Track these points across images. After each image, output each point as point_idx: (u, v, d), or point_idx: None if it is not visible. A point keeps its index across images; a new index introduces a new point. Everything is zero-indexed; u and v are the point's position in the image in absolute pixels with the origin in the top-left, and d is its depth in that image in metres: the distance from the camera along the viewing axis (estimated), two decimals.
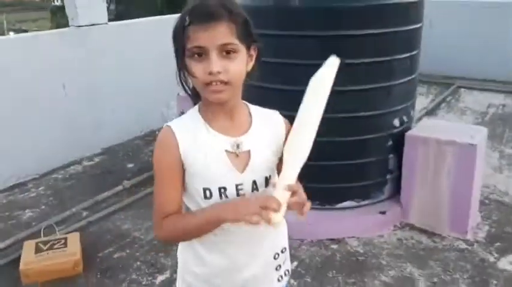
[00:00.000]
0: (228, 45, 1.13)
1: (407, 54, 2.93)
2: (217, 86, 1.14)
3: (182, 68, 1.18)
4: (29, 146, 3.97)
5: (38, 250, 2.79)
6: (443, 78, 6.52)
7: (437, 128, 3.07)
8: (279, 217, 1.12)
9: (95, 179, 4.02)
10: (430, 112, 5.49)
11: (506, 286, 2.60)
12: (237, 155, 1.23)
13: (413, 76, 3.07)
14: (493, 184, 3.74)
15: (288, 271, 1.41)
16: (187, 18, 1.14)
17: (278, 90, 2.81)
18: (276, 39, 2.77)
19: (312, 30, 2.75)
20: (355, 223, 3.05)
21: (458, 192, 2.91)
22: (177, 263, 1.40)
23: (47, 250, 2.78)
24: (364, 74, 2.82)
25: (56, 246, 2.82)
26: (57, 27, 9.60)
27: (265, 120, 1.30)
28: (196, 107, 1.27)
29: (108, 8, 4.61)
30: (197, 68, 1.14)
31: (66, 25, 4.42)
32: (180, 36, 1.15)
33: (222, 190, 1.22)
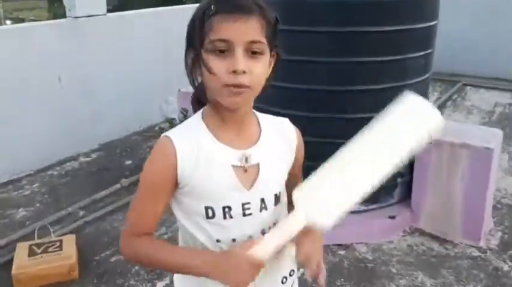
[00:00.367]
0: (257, 44, 0.99)
1: (422, 53, 2.80)
2: (238, 88, 0.99)
3: (196, 63, 1.02)
4: (23, 141, 3.82)
5: (31, 253, 2.65)
6: (449, 75, 6.40)
7: (451, 131, 2.94)
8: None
9: (91, 176, 3.88)
10: None
11: None
12: (245, 170, 1.08)
13: (427, 75, 2.94)
14: (504, 187, 3.63)
15: None
16: (212, 7, 0.98)
17: (284, 88, 2.66)
18: (285, 34, 2.62)
19: (322, 26, 2.61)
20: (364, 228, 2.93)
21: (472, 197, 2.79)
22: None
23: (41, 253, 2.64)
24: (377, 72, 2.69)
25: (50, 249, 2.68)
26: (55, 17, 9.43)
27: (276, 130, 1.16)
28: (200, 113, 1.11)
29: None
30: (217, 65, 0.98)
31: (64, 15, 4.27)
32: (200, 26, 0.99)
33: (227, 209, 1.08)
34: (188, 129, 1.10)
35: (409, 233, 3.01)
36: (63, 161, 4.10)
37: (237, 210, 1.08)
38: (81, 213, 3.30)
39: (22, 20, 15.90)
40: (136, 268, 2.72)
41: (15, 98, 3.77)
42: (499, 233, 3.03)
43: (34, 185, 3.72)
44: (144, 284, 2.60)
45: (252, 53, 0.99)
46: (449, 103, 5.72)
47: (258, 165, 1.10)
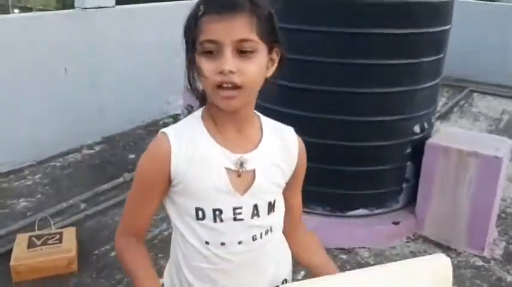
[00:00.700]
0: (246, 42, 0.95)
1: (434, 58, 2.75)
2: (229, 91, 0.96)
3: (191, 66, 1.00)
4: (26, 131, 3.79)
5: (31, 244, 2.62)
6: (455, 81, 6.34)
7: (459, 137, 2.90)
8: None
9: (94, 169, 3.86)
10: (443, 116, 5.33)
11: None
12: (239, 175, 1.06)
13: (437, 81, 2.90)
14: (509, 196, 3.59)
15: None
16: (201, 7, 0.96)
17: (289, 88, 2.63)
18: (293, 33, 2.58)
19: (335, 27, 2.57)
20: (367, 233, 2.90)
21: (478, 206, 2.76)
22: None
23: (40, 245, 2.62)
24: (388, 76, 2.64)
25: (50, 241, 2.65)
26: (63, 7, 9.40)
27: (278, 137, 1.12)
28: (199, 112, 1.08)
29: None
30: (207, 67, 0.96)
31: (73, 6, 4.23)
32: (191, 28, 0.97)
33: (217, 213, 1.06)
34: (186, 127, 1.08)
35: (412, 239, 2.98)
36: (66, 153, 4.06)
37: (227, 214, 1.06)
38: (83, 206, 3.27)
39: (30, 9, 15.89)
40: None
41: (21, 88, 3.73)
42: (503, 243, 3.00)
43: (36, 176, 3.69)
44: None
45: (243, 52, 0.95)
46: (456, 109, 5.68)
47: (253, 171, 1.07)
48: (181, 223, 1.09)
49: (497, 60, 6.27)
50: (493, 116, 5.44)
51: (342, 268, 2.70)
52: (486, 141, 2.88)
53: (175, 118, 4.45)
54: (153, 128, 4.59)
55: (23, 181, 3.61)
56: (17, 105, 3.74)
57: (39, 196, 3.42)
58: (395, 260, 2.74)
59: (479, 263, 2.80)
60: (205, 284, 1.12)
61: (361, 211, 2.93)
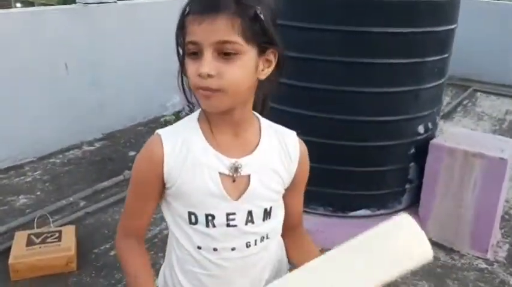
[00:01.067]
0: (228, 44, 0.91)
1: (439, 57, 2.71)
2: (207, 90, 0.94)
3: (181, 67, 0.99)
4: (26, 127, 3.77)
5: (29, 242, 2.60)
6: (459, 80, 6.29)
7: (464, 138, 2.86)
8: None
9: (94, 166, 3.83)
10: (447, 115, 5.28)
11: None
12: (234, 180, 1.03)
13: (442, 80, 2.86)
14: None
15: None
16: (187, 7, 0.94)
17: (290, 86, 2.59)
18: (296, 31, 2.55)
19: (338, 25, 2.52)
20: None
21: (483, 208, 2.72)
22: None
23: (39, 243, 2.59)
24: (392, 75, 2.60)
25: (49, 239, 2.63)
26: (65, 2, 9.35)
27: (278, 141, 1.08)
28: (196, 114, 1.06)
29: None
30: (191, 68, 0.94)
31: (74, 1, 4.20)
32: (179, 28, 0.96)
33: (210, 218, 1.03)
34: (182, 129, 1.06)
35: None
36: (66, 149, 4.04)
37: (220, 219, 1.04)
38: (82, 203, 3.25)
39: (32, 4, 15.84)
40: None
41: (21, 83, 3.70)
42: (507, 246, 2.96)
43: (36, 173, 3.67)
44: None
45: (225, 54, 0.91)
46: (459, 108, 5.63)
47: (248, 177, 1.03)
48: (175, 226, 1.08)
49: (501, 59, 6.22)
50: (496, 116, 5.40)
51: None
52: (491, 142, 2.84)
53: (177, 115, 4.42)
54: (154, 124, 4.55)
55: (22, 177, 3.59)
56: (18, 101, 3.70)
57: (39, 193, 3.40)
58: None
59: (483, 265, 2.76)
60: None
61: (363, 212, 2.90)
